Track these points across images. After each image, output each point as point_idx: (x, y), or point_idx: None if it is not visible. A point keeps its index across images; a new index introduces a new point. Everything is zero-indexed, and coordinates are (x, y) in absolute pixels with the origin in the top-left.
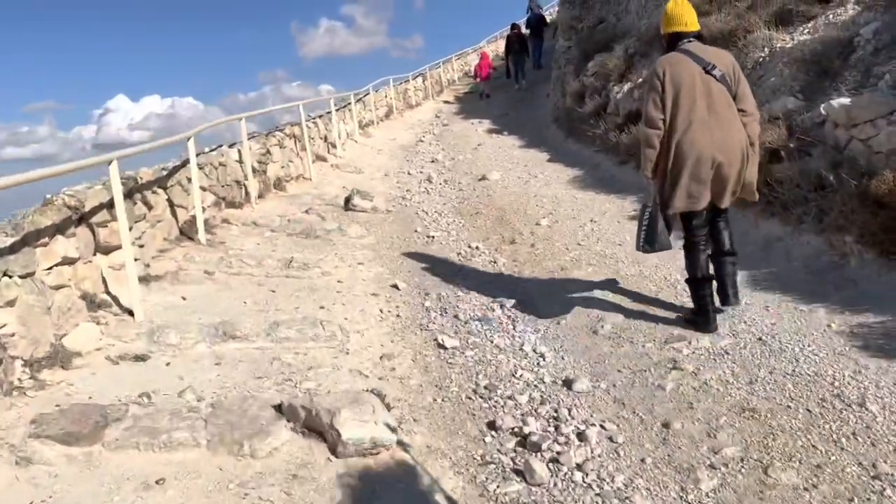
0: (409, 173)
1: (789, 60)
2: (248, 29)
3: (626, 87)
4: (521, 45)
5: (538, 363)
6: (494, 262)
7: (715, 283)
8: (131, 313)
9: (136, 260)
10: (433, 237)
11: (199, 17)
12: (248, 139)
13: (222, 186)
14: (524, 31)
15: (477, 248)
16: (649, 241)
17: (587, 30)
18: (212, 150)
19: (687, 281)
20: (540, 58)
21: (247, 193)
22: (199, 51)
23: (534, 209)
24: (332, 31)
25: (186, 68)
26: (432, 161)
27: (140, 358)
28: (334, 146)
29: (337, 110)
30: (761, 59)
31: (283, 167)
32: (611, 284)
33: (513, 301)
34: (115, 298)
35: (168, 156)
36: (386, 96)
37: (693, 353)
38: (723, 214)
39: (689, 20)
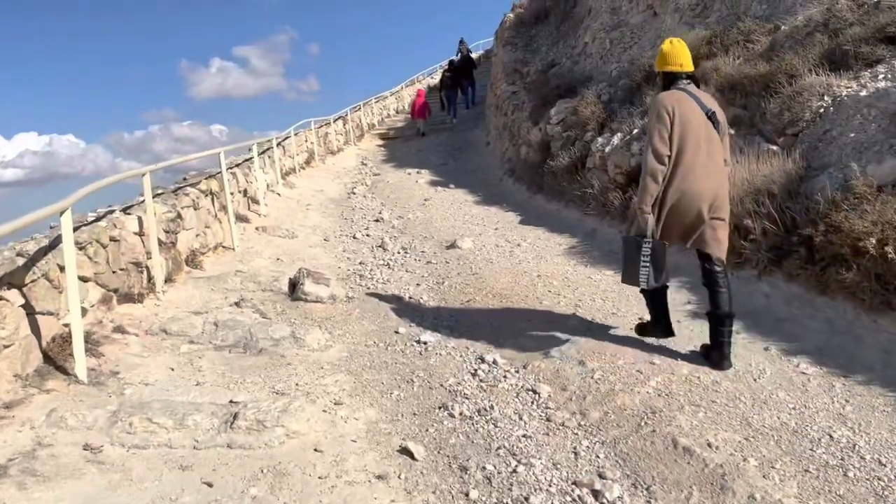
0: (354, 237)
1: (878, 113)
2: (135, 66)
3: (616, 138)
4: (454, 82)
5: None
6: (535, 393)
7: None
8: None
9: None
10: (426, 343)
11: (82, 51)
12: (154, 199)
13: (114, 272)
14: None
15: (495, 362)
16: (657, 276)
17: (538, 74)
18: (99, 219)
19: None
20: (473, 98)
21: (150, 278)
22: (82, 87)
23: (548, 297)
24: (225, 72)
25: (67, 105)
26: (376, 220)
27: None
28: (256, 202)
29: (252, 157)
30: (822, 110)
31: (198, 235)
32: (754, 446)
33: (615, 486)
34: None
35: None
36: (306, 140)
37: None
38: (722, 269)
39: (684, 61)
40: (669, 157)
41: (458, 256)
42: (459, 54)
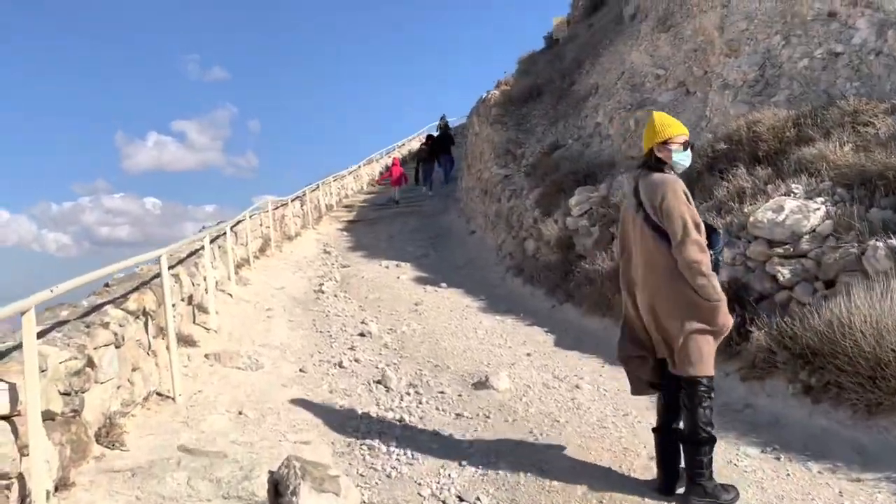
0: (340, 365)
1: None
2: (68, 136)
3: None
4: (431, 155)
5: None
6: None
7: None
8: None
9: None
10: None
11: (10, 117)
12: (48, 333)
13: None
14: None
15: None
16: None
17: (539, 156)
18: None
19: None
20: (449, 174)
21: (25, 499)
22: (8, 155)
23: None
24: (162, 145)
25: None
26: (362, 334)
27: None
28: (204, 310)
29: (202, 248)
30: None
31: (120, 387)
32: None
33: None
34: None
35: None
36: (261, 224)
37: None
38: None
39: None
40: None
41: (499, 405)
42: (440, 130)
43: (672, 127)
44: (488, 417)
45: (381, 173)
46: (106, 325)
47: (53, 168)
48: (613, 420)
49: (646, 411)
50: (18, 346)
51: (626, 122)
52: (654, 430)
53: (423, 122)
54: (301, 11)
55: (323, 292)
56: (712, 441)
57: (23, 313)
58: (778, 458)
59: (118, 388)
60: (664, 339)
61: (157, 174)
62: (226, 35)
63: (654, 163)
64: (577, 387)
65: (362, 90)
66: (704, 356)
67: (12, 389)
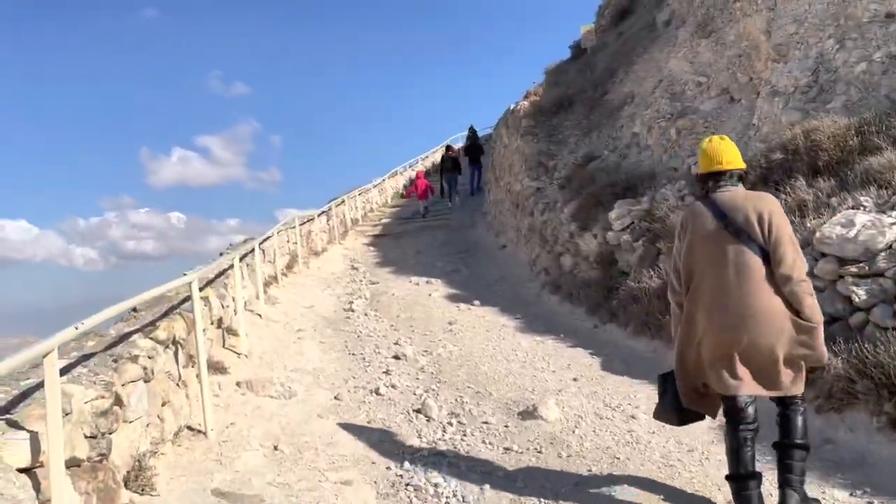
0: (376, 392)
1: None
2: (94, 152)
3: None
4: (454, 165)
5: None
6: None
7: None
8: None
9: None
10: None
11: (41, 135)
12: (73, 369)
13: None
14: (462, 156)
15: None
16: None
17: (573, 168)
18: None
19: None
20: (478, 185)
21: None
22: (37, 172)
23: None
24: (186, 161)
25: (20, 189)
26: (396, 357)
27: None
28: (234, 332)
29: (230, 267)
30: None
31: (149, 424)
32: None
33: None
34: None
35: None
36: (288, 241)
37: None
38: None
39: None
40: (681, 280)
41: (550, 438)
42: (469, 140)
43: None
44: (540, 452)
45: (405, 187)
46: (135, 359)
47: (80, 183)
48: (679, 457)
49: (711, 446)
50: (41, 385)
51: (666, 132)
52: (728, 477)
53: (446, 134)
54: (321, 26)
55: (353, 311)
56: (808, 448)
57: (45, 355)
58: None
59: (147, 425)
60: (747, 363)
61: (180, 189)
62: (247, 51)
63: (736, 181)
64: (633, 417)
65: (383, 103)
66: (799, 378)
67: (34, 439)
